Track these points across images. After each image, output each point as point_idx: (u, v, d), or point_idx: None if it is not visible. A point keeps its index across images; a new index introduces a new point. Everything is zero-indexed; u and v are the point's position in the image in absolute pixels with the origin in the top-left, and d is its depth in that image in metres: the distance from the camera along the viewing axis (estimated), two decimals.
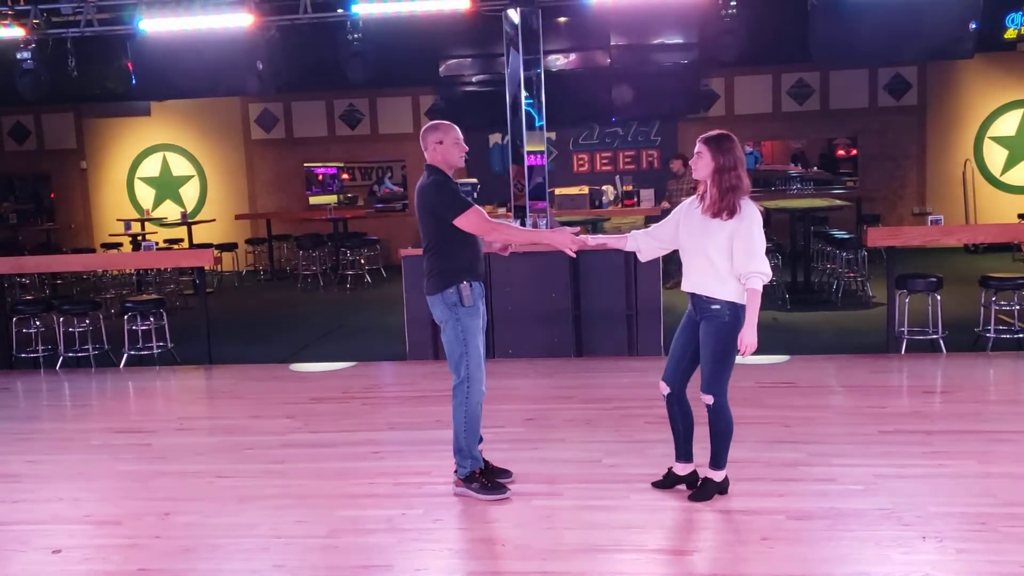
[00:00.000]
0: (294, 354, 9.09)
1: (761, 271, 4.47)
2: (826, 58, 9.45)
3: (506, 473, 5.13)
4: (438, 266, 4.87)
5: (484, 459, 5.07)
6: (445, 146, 4.91)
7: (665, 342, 8.26)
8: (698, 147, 4.58)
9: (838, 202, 11.98)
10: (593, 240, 5.01)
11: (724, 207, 4.46)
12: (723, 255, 4.49)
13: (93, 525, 4.84)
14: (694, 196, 4.71)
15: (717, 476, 4.77)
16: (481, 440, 5.08)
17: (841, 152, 15.90)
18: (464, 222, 4.76)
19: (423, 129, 5.02)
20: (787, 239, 11.69)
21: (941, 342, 7.95)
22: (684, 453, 4.87)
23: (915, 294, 8.08)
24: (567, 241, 4.84)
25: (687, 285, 4.68)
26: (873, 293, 10.55)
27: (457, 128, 5.00)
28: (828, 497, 4.73)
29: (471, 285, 4.84)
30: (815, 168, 15.96)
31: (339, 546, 4.41)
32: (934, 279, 8.04)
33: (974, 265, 11.71)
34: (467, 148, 5.00)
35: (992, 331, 7.93)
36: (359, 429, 6.37)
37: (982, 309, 8.11)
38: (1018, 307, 7.98)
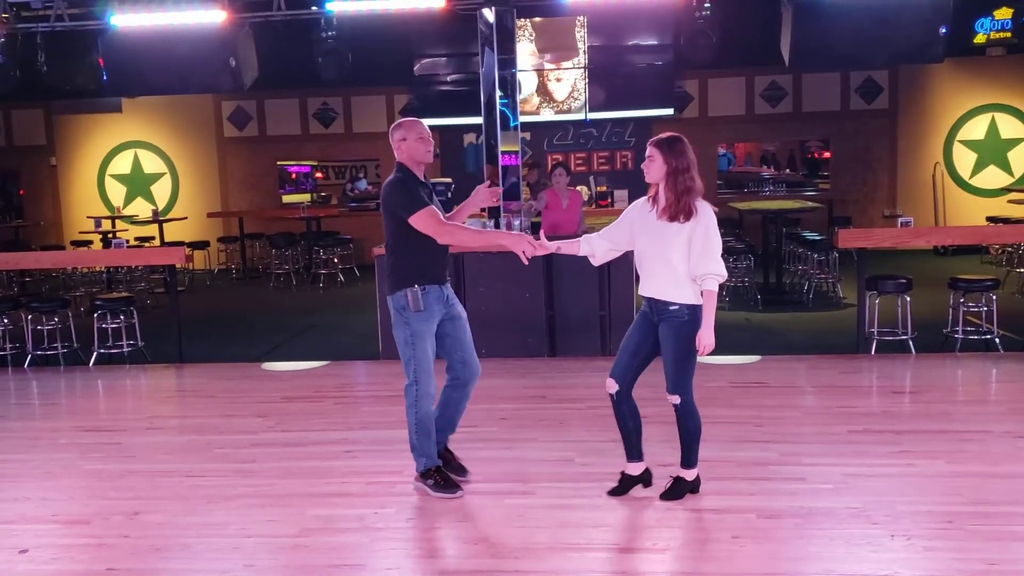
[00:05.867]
0: (266, 353, 9.04)
1: (717, 272, 4.48)
2: (799, 61, 9.55)
3: (463, 471, 5.14)
4: (392, 267, 4.89)
5: (449, 451, 5.12)
6: (409, 143, 4.89)
7: None
8: (649, 151, 4.57)
9: (810, 204, 12.09)
10: (548, 245, 4.90)
11: (681, 210, 4.47)
12: (683, 258, 4.49)
13: (61, 524, 4.79)
14: (644, 198, 4.70)
15: (689, 475, 4.79)
16: (454, 431, 5.10)
17: (814, 154, 16.03)
18: (417, 221, 4.73)
19: (390, 128, 5.02)
20: (759, 240, 11.77)
21: (910, 343, 8.03)
22: (636, 452, 4.84)
23: (885, 295, 8.17)
24: (523, 245, 4.77)
25: (645, 290, 4.66)
26: (844, 294, 10.66)
27: (422, 124, 4.97)
28: (798, 496, 4.76)
29: (424, 289, 4.80)
30: (787, 171, 16.08)
31: (310, 545, 4.39)
32: (903, 281, 8.12)
33: (943, 267, 11.85)
34: (432, 143, 4.98)
35: (960, 332, 8.03)
36: (331, 428, 6.34)
37: (951, 310, 8.20)
38: (986, 309, 8.08)
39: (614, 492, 4.86)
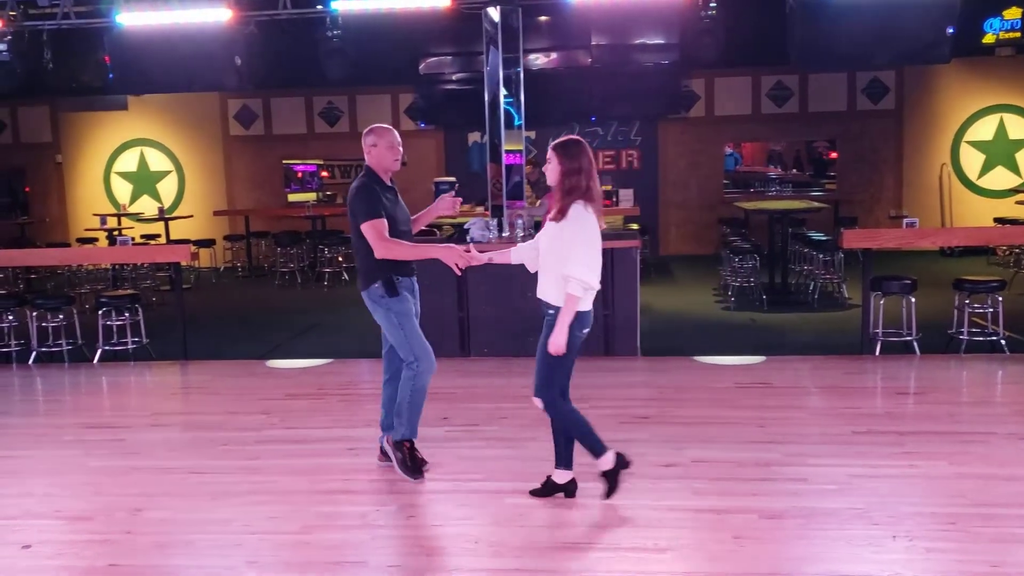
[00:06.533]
0: (270, 350, 9.05)
1: (577, 276, 4.43)
2: (804, 61, 9.54)
3: (423, 462, 5.23)
4: (363, 264, 5.07)
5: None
6: (379, 149, 5.08)
7: (643, 343, 8.29)
8: (548, 153, 4.62)
9: (816, 204, 12.07)
10: (479, 256, 4.96)
11: (559, 211, 4.51)
12: (556, 260, 4.52)
13: (64, 521, 4.80)
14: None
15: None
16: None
17: (822, 154, 16.01)
18: (365, 229, 4.93)
19: (363, 132, 5.16)
20: (765, 240, 11.76)
21: (915, 344, 8.01)
22: (564, 460, 4.81)
23: (890, 296, 8.14)
24: (455, 257, 4.90)
25: (538, 290, 4.69)
26: (849, 295, 10.63)
27: (394, 133, 5.16)
28: (801, 497, 4.76)
29: (397, 279, 5.02)
30: (794, 171, 16.06)
31: (312, 542, 4.40)
32: (908, 281, 8.10)
33: (949, 268, 11.82)
34: (401, 152, 5.14)
35: (965, 333, 8.00)
36: (334, 426, 6.35)
37: (956, 312, 8.18)
38: (991, 310, 8.06)
39: (536, 492, 4.86)
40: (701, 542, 4.30)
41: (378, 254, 4.95)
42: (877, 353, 8.03)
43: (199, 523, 4.68)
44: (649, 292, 11.06)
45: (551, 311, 4.55)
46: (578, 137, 4.65)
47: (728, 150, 16.12)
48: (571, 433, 4.72)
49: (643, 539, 4.32)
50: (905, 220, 8.45)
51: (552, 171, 4.57)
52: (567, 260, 4.45)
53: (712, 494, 4.82)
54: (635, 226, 12.20)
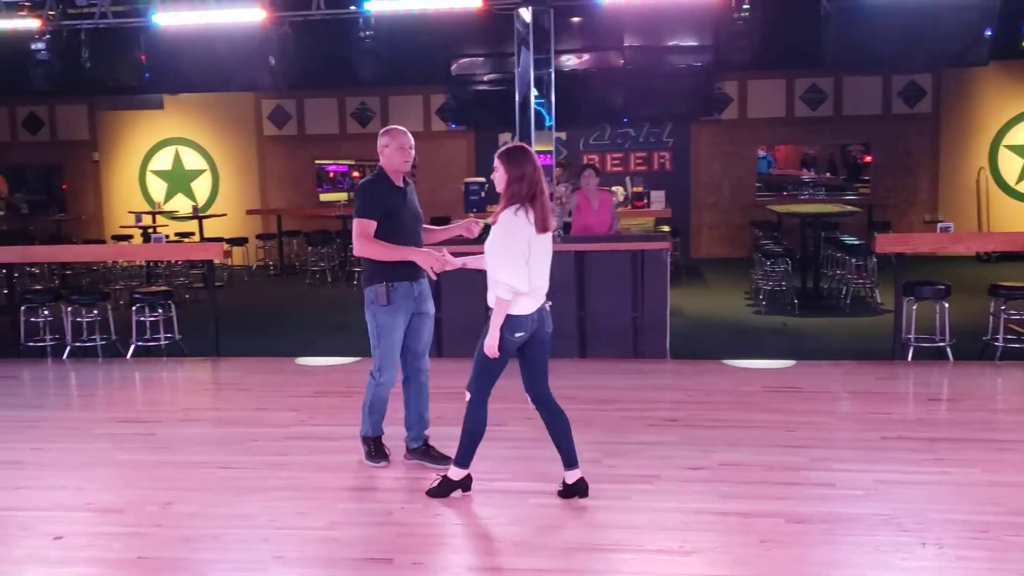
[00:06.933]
0: (300, 348, 9.11)
1: (503, 281, 4.47)
2: (839, 64, 9.44)
3: (445, 459, 5.23)
4: (365, 264, 5.24)
5: (429, 444, 5.42)
6: (390, 150, 5.17)
7: (672, 346, 8.25)
8: (495, 162, 4.66)
9: (849, 208, 11.95)
10: (454, 261, 5.00)
11: (494, 216, 4.59)
12: (489, 263, 4.61)
13: (95, 513, 4.86)
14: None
15: (456, 474, 4.83)
16: (427, 426, 5.42)
17: (856, 158, 15.86)
18: (354, 225, 5.08)
19: (379, 132, 5.28)
20: (797, 244, 11.67)
21: (948, 350, 7.91)
22: (566, 459, 4.80)
23: (923, 301, 8.05)
24: (431, 261, 5.00)
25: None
26: (882, 300, 10.52)
27: (406, 135, 5.22)
28: (828, 501, 4.71)
29: (393, 286, 5.12)
30: (827, 174, 15.92)
31: (338, 538, 4.42)
32: (942, 287, 8.00)
33: (985, 274, 11.64)
34: (412, 154, 5.20)
35: (1001, 340, 7.88)
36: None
37: (991, 318, 8.06)
38: None
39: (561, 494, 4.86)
40: (727, 545, 4.27)
41: (355, 251, 5.15)
42: (909, 359, 7.94)
43: (226, 517, 4.72)
44: (680, 295, 11.01)
45: (489, 312, 4.63)
46: (523, 144, 4.74)
47: (761, 153, 16.02)
48: (469, 431, 4.76)
49: (669, 541, 4.30)
50: (940, 225, 8.35)
51: (499, 178, 4.63)
52: (494, 265, 4.54)
53: (739, 497, 4.79)
54: (666, 228, 12.17)
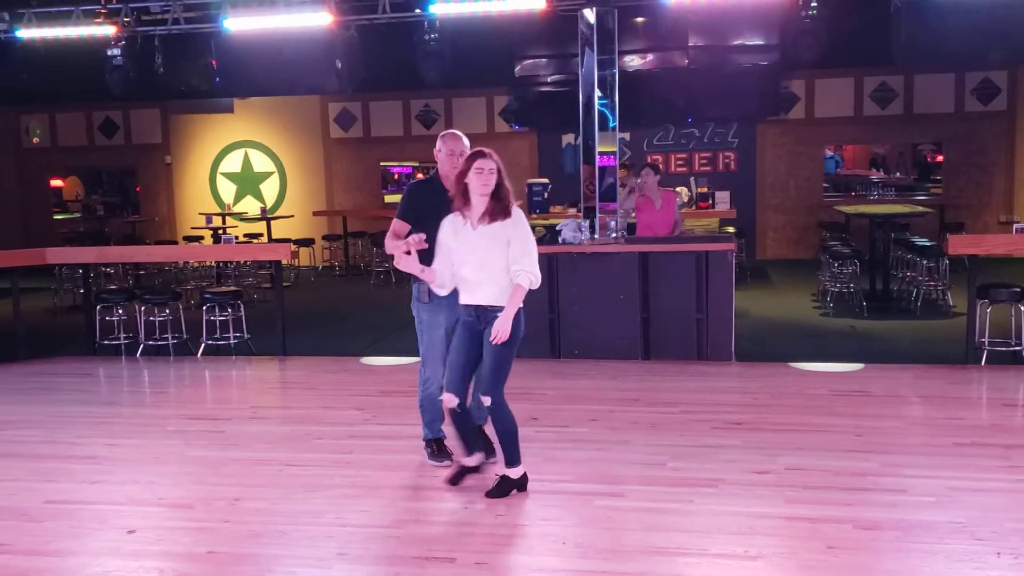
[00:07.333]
0: (365, 348, 9.22)
1: (531, 271, 4.73)
2: (910, 61, 9.24)
3: (451, 453, 5.41)
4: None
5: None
6: (442, 155, 5.31)
7: (737, 348, 8.16)
8: (489, 165, 4.74)
9: (920, 208, 11.69)
10: (414, 267, 4.88)
11: (501, 210, 4.72)
12: (505, 259, 4.71)
13: (166, 508, 4.98)
14: (452, 215, 4.85)
15: (514, 473, 4.90)
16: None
17: (927, 157, 15.52)
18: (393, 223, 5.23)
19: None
20: (866, 245, 11.45)
21: None
22: (479, 446, 5.09)
23: (997, 304, 7.83)
24: (394, 248, 4.88)
25: (472, 298, 4.80)
26: (953, 303, 10.26)
27: (460, 141, 5.30)
28: (898, 508, 4.61)
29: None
30: (897, 174, 15.59)
31: (402, 536, 4.47)
32: (1018, 289, 7.78)
33: None
34: (461, 160, 5.02)
35: None
36: None
37: None
38: None
39: (452, 481, 5.08)
40: (793, 551, 4.21)
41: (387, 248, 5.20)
42: (983, 363, 7.73)
43: (293, 514, 4.79)
44: (745, 296, 10.89)
45: (498, 312, 4.73)
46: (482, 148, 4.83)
47: (828, 153, 15.75)
48: (507, 432, 4.85)
49: (734, 546, 4.26)
50: (1016, 225, 8.11)
51: (493, 178, 4.75)
52: (525, 256, 4.75)
53: (805, 502, 4.72)
54: (731, 229, 12.04)
